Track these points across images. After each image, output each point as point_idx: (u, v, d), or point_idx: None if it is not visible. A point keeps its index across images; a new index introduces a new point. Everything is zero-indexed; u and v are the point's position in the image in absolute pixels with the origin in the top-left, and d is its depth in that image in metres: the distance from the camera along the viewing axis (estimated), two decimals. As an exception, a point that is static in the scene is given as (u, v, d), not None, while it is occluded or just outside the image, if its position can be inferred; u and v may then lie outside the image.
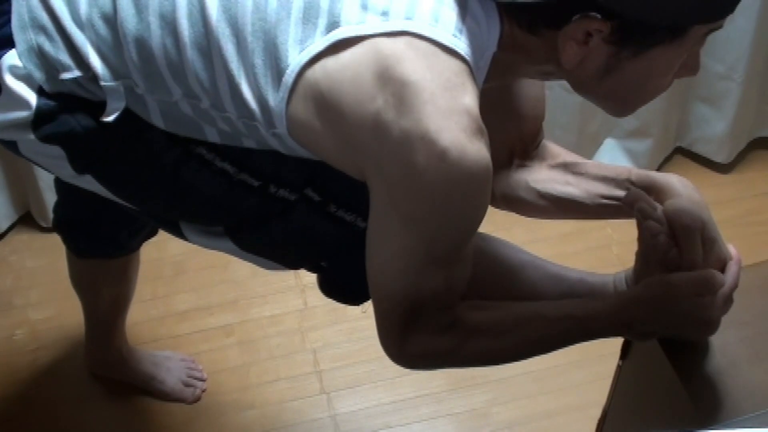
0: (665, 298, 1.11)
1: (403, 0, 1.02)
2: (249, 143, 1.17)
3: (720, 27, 1.05)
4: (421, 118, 0.98)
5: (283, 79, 1.05)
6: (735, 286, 1.13)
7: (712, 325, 1.13)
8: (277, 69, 1.05)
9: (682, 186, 1.18)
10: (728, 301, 1.13)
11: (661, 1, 0.98)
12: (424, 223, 1.05)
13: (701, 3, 0.99)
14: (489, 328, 1.14)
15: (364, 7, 1.02)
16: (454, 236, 1.08)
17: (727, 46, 2.18)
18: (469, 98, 1.01)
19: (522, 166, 1.34)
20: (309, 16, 1.04)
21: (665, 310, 1.11)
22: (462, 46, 1.01)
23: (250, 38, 1.06)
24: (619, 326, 1.14)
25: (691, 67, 1.09)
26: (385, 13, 1.01)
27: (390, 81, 0.99)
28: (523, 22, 1.05)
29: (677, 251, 1.12)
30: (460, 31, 1.02)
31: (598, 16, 0.99)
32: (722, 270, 1.13)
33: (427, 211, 1.04)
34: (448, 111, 0.98)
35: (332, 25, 1.02)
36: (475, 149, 1.00)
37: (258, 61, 1.06)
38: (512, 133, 1.31)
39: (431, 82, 0.99)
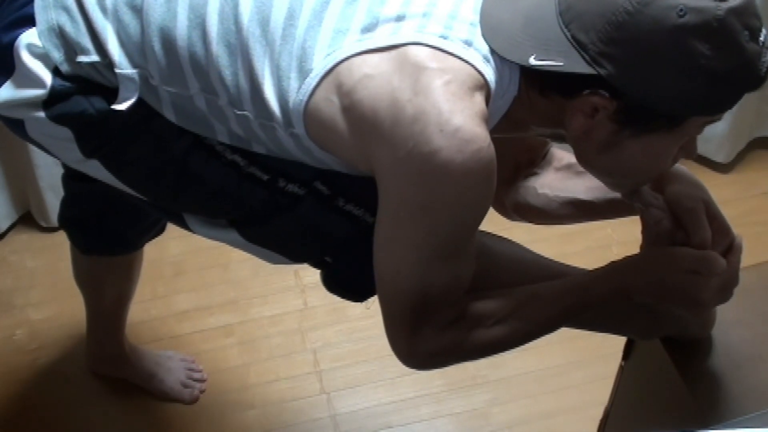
0: (663, 267, 1.12)
1: (439, 21, 1.06)
2: (259, 149, 1.18)
3: (719, 119, 1.08)
4: (437, 98, 1.02)
5: (306, 81, 1.08)
6: (735, 273, 1.14)
7: (702, 306, 1.14)
8: (301, 70, 1.08)
9: (679, 171, 1.19)
10: (725, 289, 1.13)
11: (664, 91, 1.01)
12: (434, 213, 1.06)
13: (702, 98, 1.02)
14: (491, 316, 1.15)
15: (400, 19, 1.06)
16: (460, 227, 1.09)
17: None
18: (479, 98, 1.04)
19: (530, 174, 1.36)
20: (341, 28, 1.07)
21: (661, 280, 1.12)
22: (489, 72, 1.06)
23: (279, 41, 1.09)
24: (617, 293, 1.15)
25: (688, 150, 1.12)
26: (420, 28, 1.05)
27: (408, 65, 1.03)
28: (536, 85, 1.08)
29: (684, 234, 1.14)
30: (488, 61, 1.06)
31: (606, 94, 1.03)
32: (730, 246, 1.14)
33: (438, 197, 1.05)
34: (460, 96, 1.02)
35: (366, 28, 1.07)
36: (484, 135, 1.03)
37: (284, 63, 1.09)
38: (518, 146, 1.33)
39: (447, 73, 1.03)
